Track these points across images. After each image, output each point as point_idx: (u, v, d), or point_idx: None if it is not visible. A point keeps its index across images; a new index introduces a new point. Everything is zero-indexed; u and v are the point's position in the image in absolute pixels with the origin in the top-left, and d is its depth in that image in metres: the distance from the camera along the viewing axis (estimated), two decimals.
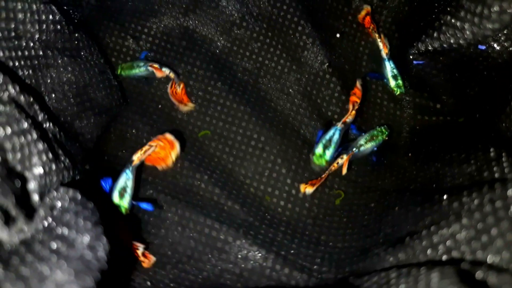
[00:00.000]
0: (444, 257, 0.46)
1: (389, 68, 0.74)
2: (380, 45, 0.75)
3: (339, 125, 0.68)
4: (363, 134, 0.70)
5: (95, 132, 0.66)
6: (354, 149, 0.68)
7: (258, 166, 0.69)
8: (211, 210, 0.65)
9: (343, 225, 0.65)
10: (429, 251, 0.48)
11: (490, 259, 0.41)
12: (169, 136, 0.65)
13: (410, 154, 0.69)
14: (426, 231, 0.49)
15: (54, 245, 0.41)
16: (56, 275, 0.36)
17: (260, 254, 0.61)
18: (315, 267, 0.59)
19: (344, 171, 0.68)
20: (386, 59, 0.75)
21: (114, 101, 0.70)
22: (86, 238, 0.38)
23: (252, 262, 0.60)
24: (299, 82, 0.75)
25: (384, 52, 0.75)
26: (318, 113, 0.73)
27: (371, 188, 0.68)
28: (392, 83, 0.75)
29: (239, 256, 0.61)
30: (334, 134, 0.68)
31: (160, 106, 0.73)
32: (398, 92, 0.75)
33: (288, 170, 0.69)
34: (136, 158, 0.63)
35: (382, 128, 0.71)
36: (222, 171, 0.69)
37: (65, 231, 0.42)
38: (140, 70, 0.72)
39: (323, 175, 0.67)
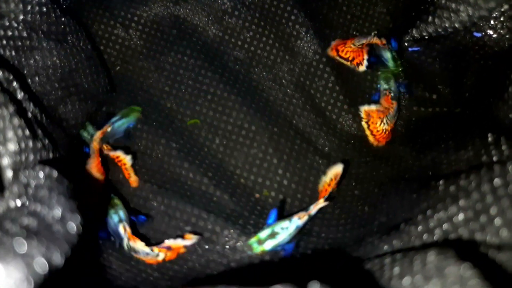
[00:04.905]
0: (441, 241, 0.43)
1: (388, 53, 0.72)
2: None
3: (301, 219, 0.58)
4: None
5: (80, 118, 0.64)
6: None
7: (249, 156, 0.67)
8: (199, 199, 0.62)
9: (336, 216, 0.62)
10: (425, 236, 0.45)
11: (489, 239, 0.39)
12: None
13: (405, 145, 0.67)
14: (422, 216, 0.47)
15: (25, 221, 0.38)
16: (24, 249, 0.33)
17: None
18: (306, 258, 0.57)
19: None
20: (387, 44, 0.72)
21: (101, 87, 0.68)
22: (58, 212, 0.36)
23: (240, 252, 0.58)
24: (292, 72, 0.73)
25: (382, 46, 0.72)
26: (311, 104, 0.72)
27: (366, 179, 0.66)
28: (391, 64, 0.72)
29: (227, 246, 0.58)
30: (289, 226, 0.57)
31: (148, 95, 0.71)
32: (397, 70, 0.73)
33: (279, 160, 0.67)
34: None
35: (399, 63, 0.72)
36: (211, 160, 0.66)
37: (38, 207, 0.39)
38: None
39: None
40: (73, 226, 0.34)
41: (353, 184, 0.66)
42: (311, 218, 0.60)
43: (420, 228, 0.46)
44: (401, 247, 0.48)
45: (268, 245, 0.56)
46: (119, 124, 0.65)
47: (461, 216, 0.43)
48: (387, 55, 0.72)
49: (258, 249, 0.56)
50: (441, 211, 0.45)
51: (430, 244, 0.44)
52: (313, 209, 0.59)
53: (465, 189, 0.45)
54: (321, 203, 0.59)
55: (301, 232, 0.59)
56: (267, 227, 0.57)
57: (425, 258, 0.36)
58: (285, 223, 0.57)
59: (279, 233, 0.56)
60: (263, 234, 0.56)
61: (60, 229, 0.33)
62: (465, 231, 0.42)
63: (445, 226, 0.44)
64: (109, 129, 0.64)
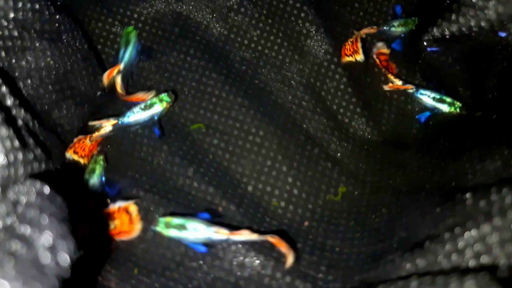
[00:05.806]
0: (472, 263, 0.40)
1: (426, 97, 0.66)
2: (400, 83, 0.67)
3: (217, 234, 0.52)
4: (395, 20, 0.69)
5: (75, 123, 0.60)
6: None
7: (256, 164, 0.63)
8: (204, 211, 0.58)
9: (350, 228, 0.58)
10: (454, 257, 0.41)
11: None
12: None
13: (423, 152, 0.63)
14: (449, 234, 0.43)
15: (13, 246, 0.34)
16: (8, 281, 0.29)
17: (258, 261, 0.54)
18: (320, 275, 0.53)
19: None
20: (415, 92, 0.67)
21: (98, 90, 0.63)
22: (48, 237, 0.31)
23: (249, 269, 0.54)
24: (301, 73, 0.69)
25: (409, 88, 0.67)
26: (322, 107, 0.67)
27: (381, 188, 0.62)
28: (445, 108, 0.66)
29: (235, 262, 0.54)
30: (201, 230, 0.52)
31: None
32: (458, 111, 0.65)
33: (289, 168, 0.63)
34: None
35: (415, 18, 0.69)
36: (216, 168, 0.62)
37: (27, 230, 0.35)
38: None
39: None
40: (65, 257, 0.30)
41: (368, 193, 0.62)
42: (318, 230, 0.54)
43: (447, 247, 0.42)
44: (426, 267, 0.44)
45: (172, 233, 0.53)
46: (128, 54, 0.64)
47: (495, 237, 0.39)
48: None
49: (162, 229, 0.53)
50: (472, 230, 0.41)
51: (460, 267, 0.40)
52: (235, 234, 0.52)
53: (498, 206, 0.40)
54: (245, 234, 0.52)
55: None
56: (187, 218, 0.53)
57: None
58: (200, 226, 0.52)
59: (187, 230, 0.52)
60: (175, 220, 0.53)
61: (49, 262, 0.29)
62: (501, 254, 0.38)
63: (476, 246, 0.40)
64: (122, 65, 0.63)
